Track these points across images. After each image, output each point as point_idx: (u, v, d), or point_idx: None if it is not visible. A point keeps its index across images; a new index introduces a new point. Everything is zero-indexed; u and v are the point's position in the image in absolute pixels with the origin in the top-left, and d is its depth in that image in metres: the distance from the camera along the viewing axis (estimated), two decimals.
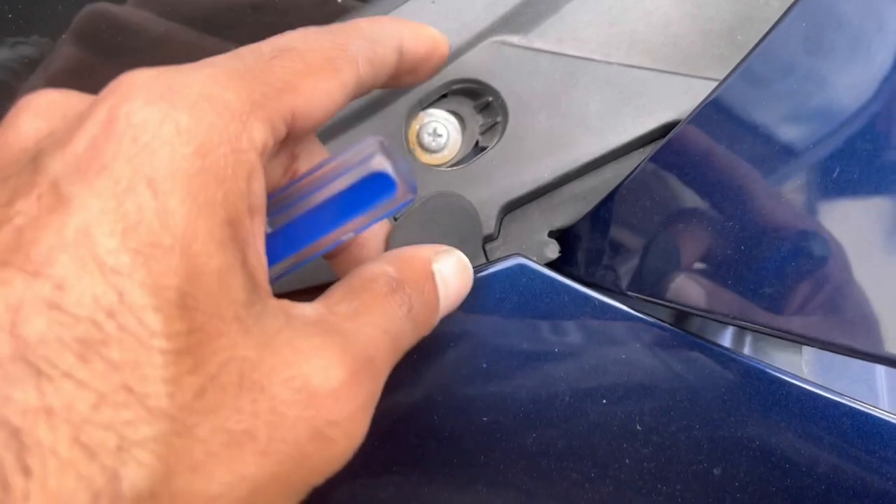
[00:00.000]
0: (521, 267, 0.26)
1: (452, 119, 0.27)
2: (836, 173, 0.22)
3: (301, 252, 0.20)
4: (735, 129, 0.24)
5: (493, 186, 0.26)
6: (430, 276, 0.22)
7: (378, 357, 0.18)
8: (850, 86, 0.23)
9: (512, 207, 0.27)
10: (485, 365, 0.26)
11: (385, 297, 0.20)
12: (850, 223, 0.22)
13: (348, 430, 0.17)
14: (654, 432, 0.25)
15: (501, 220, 0.27)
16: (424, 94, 0.27)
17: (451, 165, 0.27)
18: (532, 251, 0.27)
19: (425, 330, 0.22)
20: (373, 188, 0.19)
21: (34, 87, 0.21)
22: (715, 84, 0.24)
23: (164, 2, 0.27)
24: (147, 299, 0.14)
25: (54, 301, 0.14)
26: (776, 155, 0.23)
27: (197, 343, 0.15)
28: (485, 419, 0.26)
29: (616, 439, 0.26)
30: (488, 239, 0.27)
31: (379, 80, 0.21)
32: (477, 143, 0.27)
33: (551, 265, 0.26)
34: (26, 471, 0.13)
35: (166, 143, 0.15)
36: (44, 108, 0.18)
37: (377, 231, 0.25)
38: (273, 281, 0.21)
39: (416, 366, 0.26)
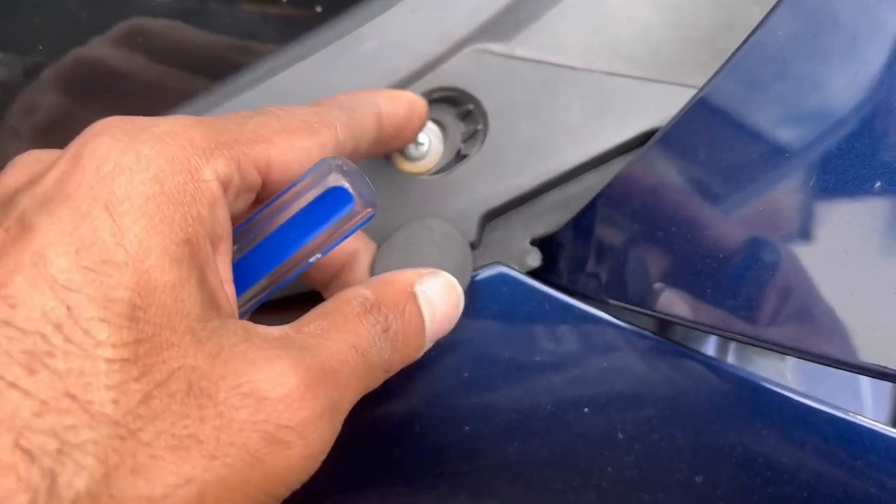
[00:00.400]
0: (503, 276, 0.26)
1: (434, 127, 0.27)
2: (815, 180, 0.22)
3: (271, 275, 0.20)
4: (715, 136, 0.24)
5: (474, 194, 0.26)
6: (412, 298, 0.22)
7: (343, 370, 0.18)
8: (830, 90, 0.23)
9: (493, 216, 0.27)
10: (466, 374, 0.26)
11: (357, 317, 0.20)
12: (830, 231, 0.22)
13: (304, 435, 0.17)
14: (637, 440, 0.25)
15: (483, 228, 0.27)
16: None
17: (433, 174, 0.27)
18: (514, 260, 0.27)
19: (411, 351, 0.22)
20: (330, 203, 0.19)
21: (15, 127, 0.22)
22: (694, 91, 0.24)
23: (154, 47, 0.27)
24: (95, 311, 0.15)
25: (5, 318, 0.15)
26: (756, 161, 0.23)
27: (145, 352, 0.15)
28: (467, 428, 0.26)
29: (598, 448, 0.25)
30: (470, 247, 0.27)
31: (361, 145, 0.22)
32: (458, 151, 0.27)
33: (533, 274, 0.26)
34: None
35: (125, 170, 0.16)
36: (28, 163, 0.19)
37: (366, 258, 0.25)
38: (247, 306, 0.21)
39: (396, 375, 0.26)
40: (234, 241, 0.20)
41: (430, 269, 0.23)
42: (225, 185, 0.18)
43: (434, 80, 0.27)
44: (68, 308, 0.15)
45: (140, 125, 0.18)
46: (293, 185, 0.20)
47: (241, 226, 0.20)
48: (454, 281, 0.23)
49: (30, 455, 0.14)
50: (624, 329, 0.25)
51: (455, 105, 0.27)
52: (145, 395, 0.15)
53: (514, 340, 0.26)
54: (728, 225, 0.23)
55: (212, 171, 0.18)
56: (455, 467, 0.26)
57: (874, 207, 0.21)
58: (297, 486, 0.18)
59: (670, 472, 0.25)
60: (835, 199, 0.22)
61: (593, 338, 0.26)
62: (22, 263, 0.15)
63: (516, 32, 0.27)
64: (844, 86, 0.22)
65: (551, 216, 0.27)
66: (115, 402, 0.15)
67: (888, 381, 0.22)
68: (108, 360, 0.15)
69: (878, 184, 0.21)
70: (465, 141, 0.27)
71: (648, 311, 0.25)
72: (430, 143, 0.27)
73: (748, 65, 0.23)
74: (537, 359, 0.26)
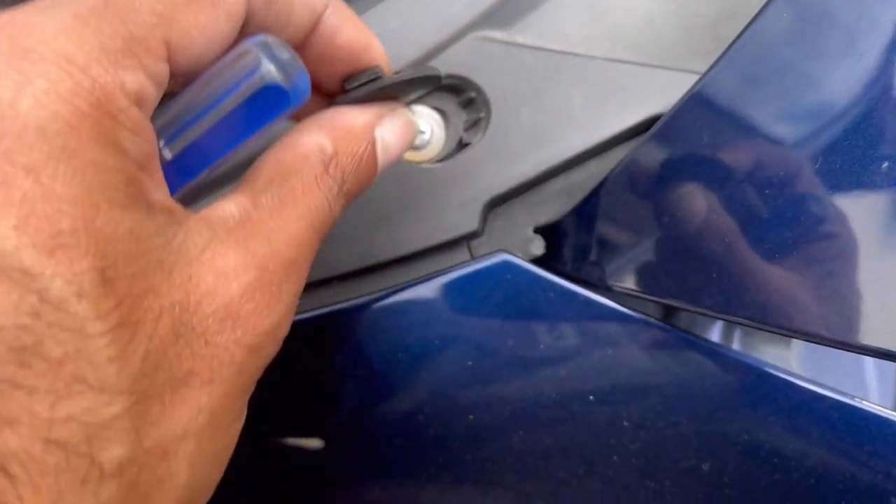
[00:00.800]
0: (507, 264, 0.26)
1: (436, 115, 0.27)
2: (820, 164, 0.22)
3: (207, 170, 0.19)
4: (718, 122, 0.23)
5: (477, 183, 0.26)
6: (371, 144, 0.21)
7: (300, 257, 0.19)
8: (833, 75, 0.23)
9: (496, 204, 0.27)
10: (470, 363, 0.26)
11: (315, 182, 0.19)
12: (835, 215, 0.22)
13: (275, 335, 0.18)
14: (642, 428, 0.25)
15: (486, 216, 0.27)
16: None
17: (436, 162, 0.27)
18: (517, 248, 0.27)
19: (355, 198, 0.21)
20: (265, 103, 0.18)
21: None
22: (697, 77, 0.24)
23: None
24: (66, 288, 0.14)
25: None
26: (759, 146, 0.23)
27: (128, 311, 0.15)
28: (471, 417, 0.26)
29: (604, 436, 0.25)
30: (473, 235, 0.26)
31: (285, 26, 0.20)
32: (461, 139, 0.27)
33: (537, 261, 0.26)
34: (12, 478, 0.14)
35: (30, 124, 0.14)
36: None
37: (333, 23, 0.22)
38: (183, 192, 0.20)
39: (400, 364, 0.26)
40: (161, 136, 0.18)
41: (392, 106, 0.22)
42: (140, 101, 0.16)
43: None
44: (37, 292, 0.14)
45: (22, 48, 0.15)
46: (217, 67, 0.18)
47: (162, 114, 0.18)
48: (412, 119, 0.23)
49: (62, 446, 0.14)
50: (629, 316, 0.25)
51: (457, 93, 0.27)
52: (144, 354, 0.15)
53: (518, 328, 0.26)
54: (734, 209, 0.23)
55: (123, 97, 0.16)
56: (459, 456, 0.26)
57: (881, 192, 0.21)
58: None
59: (676, 460, 0.25)
60: (846, 183, 0.22)
61: (598, 325, 0.26)
62: None
63: (518, 19, 0.27)
64: (848, 72, 0.22)
65: (555, 204, 0.27)
66: (121, 371, 0.15)
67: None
68: (101, 334, 0.15)
69: (885, 164, 0.21)
70: (467, 129, 0.27)
71: (654, 298, 0.25)
72: (433, 131, 0.27)
73: (751, 49, 0.23)
74: (541, 347, 0.26)
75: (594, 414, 0.25)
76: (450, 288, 0.26)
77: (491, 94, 0.26)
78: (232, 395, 0.18)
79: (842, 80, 0.22)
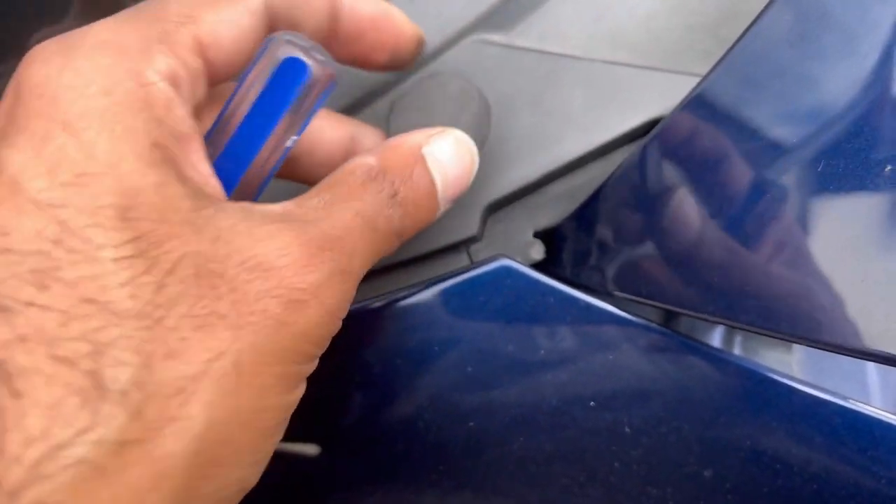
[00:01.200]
0: (506, 268, 0.25)
1: None
2: (821, 168, 0.22)
3: (252, 168, 0.20)
4: (719, 124, 0.23)
5: (476, 186, 0.26)
6: (420, 160, 0.21)
7: (347, 237, 0.19)
8: (835, 78, 0.22)
9: (496, 208, 0.27)
10: (470, 369, 0.25)
11: (361, 185, 0.20)
12: (835, 220, 0.22)
13: (317, 294, 0.18)
14: (644, 434, 0.25)
15: (486, 220, 0.26)
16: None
17: None
18: (517, 252, 0.26)
19: (423, 215, 0.22)
20: (287, 78, 0.19)
21: None
22: (698, 79, 0.24)
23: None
24: (87, 219, 0.16)
25: (2, 246, 0.15)
26: (761, 150, 0.23)
27: (147, 247, 0.16)
28: (471, 424, 0.26)
29: (605, 442, 0.25)
30: (472, 240, 0.26)
31: (303, 20, 0.21)
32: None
33: (537, 266, 0.26)
34: (16, 394, 0.14)
35: (69, 88, 0.17)
36: None
37: (367, 140, 0.25)
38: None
39: (400, 370, 0.26)
40: (210, 146, 0.20)
41: (439, 129, 0.22)
42: (174, 82, 0.18)
43: (435, 71, 0.26)
44: (60, 223, 0.15)
45: (68, 43, 0.18)
46: (247, 72, 0.19)
47: (212, 129, 0.20)
48: (465, 138, 0.23)
49: (68, 362, 0.15)
50: (629, 321, 0.25)
51: None
52: (158, 285, 0.16)
53: (518, 334, 0.25)
54: (737, 212, 0.23)
55: (154, 73, 0.18)
56: (460, 463, 0.26)
57: (880, 195, 0.21)
58: (325, 343, 0.19)
59: (678, 466, 0.25)
60: (846, 187, 0.22)
61: (598, 330, 0.25)
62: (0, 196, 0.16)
63: (517, 22, 0.27)
64: (850, 74, 0.22)
65: (555, 208, 0.27)
66: (133, 296, 0.15)
67: None
68: (115, 260, 0.15)
69: (888, 168, 0.21)
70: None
71: (654, 303, 0.25)
72: None
73: (751, 51, 0.23)
74: (542, 352, 0.25)
75: (595, 420, 0.25)
76: (449, 293, 0.26)
77: (490, 97, 0.26)
78: (265, 350, 0.17)
79: (843, 82, 0.22)
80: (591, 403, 0.25)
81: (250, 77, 0.19)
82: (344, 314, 0.19)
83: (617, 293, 0.25)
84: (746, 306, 0.22)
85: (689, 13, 0.27)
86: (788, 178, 0.22)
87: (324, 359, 0.26)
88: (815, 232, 0.22)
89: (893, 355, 0.20)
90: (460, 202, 0.26)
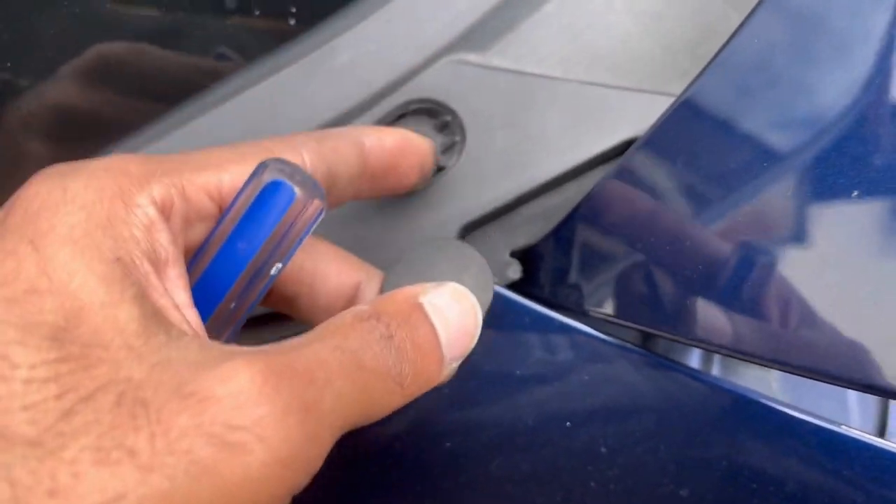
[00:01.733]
0: None
1: None
2: (796, 187, 0.22)
3: (232, 292, 0.20)
4: (694, 143, 0.23)
5: (453, 207, 0.26)
6: (417, 308, 0.20)
7: (319, 370, 0.16)
8: (813, 91, 0.22)
9: (473, 228, 0.27)
10: (447, 389, 0.25)
11: (348, 325, 0.18)
12: (813, 240, 0.22)
13: (263, 436, 0.14)
14: (620, 454, 0.25)
15: (462, 240, 0.26)
16: (382, 115, 0.26)
17: None
18: (494, 272, 0.26)
19: (428, 364, 0.19)
20: (271, 200, 0.19)
21: None
22: (673, 99, 0.24)
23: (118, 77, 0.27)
24: (14, 336, 0.15)
25: None
26: (736, 168, 0.23)
27: (69, 370, 0.15)
28: (448, 444, 0.26)
29: (581, 462, 0.25)
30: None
31: (339, 175, 0.22)
32: (436, 163, 0.27)
33: (514, 286, 0.26)
34: None
35: (52, 205, 0.17)
36: None
37: (372, 290, 0.24)
38: (227, 332, 0.20)
39: None
40: (192, 273, 0.19)
41: (437, 283, 0.21)
42: (164, 211, 0.18)
43: (410, 92, 0.26)
44: None
45: (76, 166, 0.18)
46: (235, 198, 0.19)
47: (198, 252, 0.20)
48: (464, 290, 0.21)
49: None
50: (606, 342, 0.25)
51: (432, 116, 0.27)
52: (65, 412, 0.14)
53: (495, 354, 0.25)
54: (709, 234, 0.23)
55: (146, 197, 0.18)
56: (437, 484, 0.26)
57: (857, 214, 0.21)
58: (268, 500, 0.15)
59: (654, 486, 0.25)
60: (815, 206, 0.22)
61: (575, 351, 0.25)
62: None
63: (493, 42, 0.27)
64: (827, 88, 0.22)
65: (531, 227, 0.27)
66: (32, 421, 0.14)
67: (874, 394, 0.22)
68: (25, 381, 0.14)
69: (857, 192, 0.21)
70: (443, 153, 0.27)
71: (631, 324, 0.25)
72: None
73: (726, 70, 0.23)
74: (518, 372, 0.25)
75: (571, 440, 0.25)
76: None
77: (466, 117, 0.26)
78: (177, 496, 0.14)
79: (824, 98, 0.22)
80: (568, 423, 0.25)
81: (238, 203, 0.19)
82: (309, 467, 0.16)
83: (593, 313, 0.25)
84: (721, 330, 0.22)
85: (665, 33, 0.27)
86: (766, 196, 0.22)
87: None
88: (792, 252, 0.22)
89: (865, 383, 0.20)
90: (437, 222, 0.26)
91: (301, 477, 0.15)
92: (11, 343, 0.15)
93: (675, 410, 0.25)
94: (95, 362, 0.15)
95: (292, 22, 0.27)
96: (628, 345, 0.25)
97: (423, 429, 0.26)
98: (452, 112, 0.26)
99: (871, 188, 0.21)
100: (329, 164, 0.21)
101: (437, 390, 0.26)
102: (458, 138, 0.26)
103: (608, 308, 0.25)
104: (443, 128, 0.27)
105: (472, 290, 0.22)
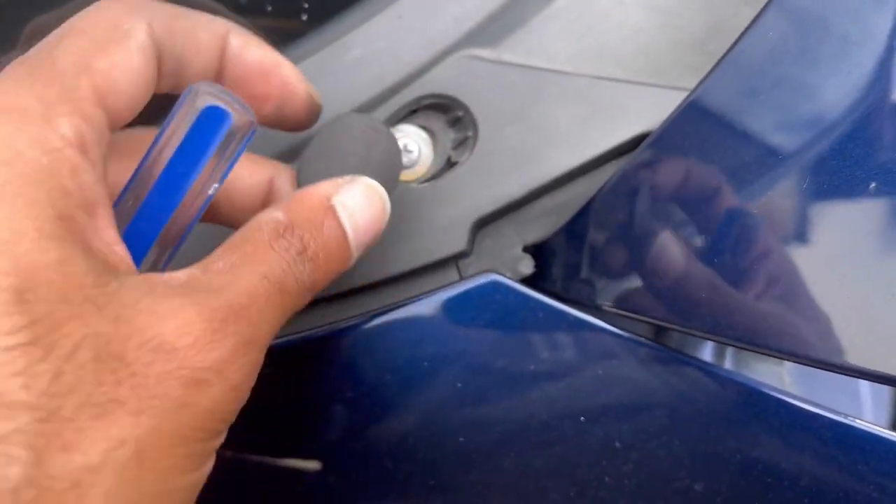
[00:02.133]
0: (495, 283, 0.25)
1: (423, 134, 0.27)
2: (809, 182, 0.22)
3: (174, 219, 0.20)
4: (707, 139, 0.23)
5: (465, 202, 0.26)
6: (329, 211, 0.21)
7: (253, 305, 0.18)
8: (822, 90, 0.22)
9: (485, 223, 0.27)
10: (460, 384, 0.25)
11: (267, 245, 0.19)
12: (826, 234, 0.22)
13: (221, 371, 0.17)
14: (634, 449, 0.25)
15: (474, 235, 0.26)
16: (394, 111, 0.26)
17: (423, 181, 0.27)
18: (506, 267, 0.26)
19: (335, 266, 0.21)
20: (207, 126, 0.19)
21: None
22: (685, 94, 0.24)
23: None
24: None
25: None
26: (750, 164, 0.23)
27: (44, 332, 0.15)
28: (461, 440, 0.26)
29: (595, 457, 0.25)
30: (462, 255, 0.26)
31: (188, 66, 0.21)
32: (449, 158, 0.27)
33: (526, 281, 0.26)
34: None
35: None
36: None
37: (285, 183, 0.24)
38: (165, 256, 0.21)
39: (388, 385, 0.26)
40: (130, 199, 0.19)
41: (347, 178, 0.22)
42: (81, 146, 0.17)
43: (422, 87, 0.26)
44: None
45: None
46: (165, 124, 0.19)
47: (129, 183, 0.20)
48: (375, 185, 0.22)
49: None
50: (619, 336, 0.25)
51: (444, 112, 0.27)
52: (55, 373, 0.15)
53: (508, 349, 0.25)
54: (726, 227, 0.23)
55: (59, 138, 0.17)
56: (450, 480, 0.26)
57: (870, 209, 0.21)
58: (231, 417, 0.18)
59: (669, 481, 0.25)
60: (829, 202, 0.22)
61: (588, 345, 0.25)
62: None
63: (504, 38, 0.27)
64: (837, 86, 0.22)
65: (543, 222, 0.27)
66: (27, 387, 0.15)
67: (889, 384, 0.22)
68: (7, 349, 0.15)
69: (872, 185, 0.21)
70: (455, 148, 0.27)
71: (643, 318, 0.24)
72: (420, 150, 0.27)
73: (739, 66, 0.23)
74: (532, 368, 0.25)
75: (585, 435, 0.25)
76: (439, 308, 0.26)
77: (478, 112, 0.26)
78: (167, 432, 0.16)
79: (834, 94, 0.22)
80: (582, 418, 0.25)
81: (170, 128, 0.19)
82: (251, 383, 0.19)
83: (606, 308, 0.25)
84: (736, 323, 0.22)
85: (675, 29, 0.27)
86: (779, 191, 0.22)
87: (316, 376, 0.27)
88: (805, 246, 0.22)
89: (880, 373, 0.20)
90: (450, 217, 0.26)
91: (247, 393, 0.19)
92: None
93: (688, 404, 0.25)
94: (65, 319, 0.16)
95: (304, 18, 0.27)
96: (642, 339, 0.25)
97: (437, 424, 0.26)
98: (464, 107, 0.26)
99: (888, 179, 0.21)
100: (178, 46, 0.20)
101: (450, 386, 0.26)
102: (470, 133, 0.26)
103: (621, 302, 0.25)
104: (455, 123, 0.27)
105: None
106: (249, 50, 0.22)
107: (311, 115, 0.24)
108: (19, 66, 0.18)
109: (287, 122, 0.24)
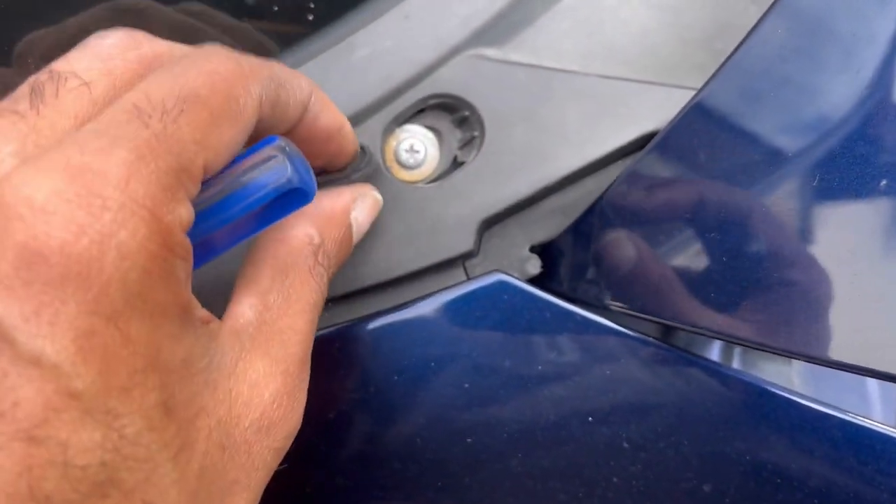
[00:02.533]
0: (502, 283, 0.25)
1: (430, 134, 0.27)
2: (817, 181, 0.22)
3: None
4: (715, 138, 0.23)
5: (472, 202, 0.26)
6: (348, 228, 0.23)
7: (307, 352, 0.21)
8: (829, 89, 0.22)
9: (492, 223, 0.26)
10: (467, 385, 0.25)
11: (309, 275, 0.21)
12: (834, 234, 0.21)
13: (294, 435, 0.20)
14: (642, 449, 0.25)
15: (481, 235, 0.26)
16: (401, 110, 0.26)
17: (430, 181, 0.27)
18: (513, 267, 0.26)
19: (341, 264, 0.24)
20: (288, 201, 0.19)
21: None
22: (693, 93, 0.24)
23: None
24: (141, 423, 0.15)
25: (60, 459, 0.14)
26: (757, 164, 0.23)
27: (186, 434, 0.16)
28: (469, 440, 0.25)
29: (603, 457, 0.25)
30: (469, 255, 0.26)
31: (283, 122, 0.21)
32: (455, 158, 0.27)
33: (533, 281, 0.26)
34: None
35: (114, 275, 0.15)
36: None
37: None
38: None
39: (396, 386, 0.26)
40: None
41: (363, 189, 0.24)
42: (186, 229, 0.17)
43: (429, 87, 0.26)
44: (118, 429, 0.15)
45: (97, 192, 0.15)
46: (238, 169, 0.19)
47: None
48: (381, 199, 0.25)
49: None
50: (627, 335, 0.25)
51: (451, 112, 0.27)
52: (199, 472, 0.17)
53: (515, 349, 0.25)
54: (733, 227, 0.23)
55: (181, 231, 0.16)
56: (458, 480, 0.26)
57: (879, 209, 0.21)
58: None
59: (677, 481, 0.25)
60: (837, 202, 0.21)
61: (595, 345, 0.25)
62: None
63: (511, 37, 0.27)
64: (844, 86, 0.22)
65: (550, 222, 0.27)
66: (181, 492, 0.16)
67: None
68: (167, 460, 0.16)
69: (883, 182, 0.20)
70: (461, 148, 0.27)
71: (651, 317, 0.24)
72: (427, 150, 0.27)
73: (746, 66, 0.23)
74: (539, 368, 0.25)
75: (593, 435, 0.25)
76: (446, 308, 0.26)
77: (485, 112, 0.26)
78: (259, 494, 0.19)
79: (840, 94, 0.22)
80: (590, 418, 0.25)
81: (245, 179, 0.19)
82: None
83: (613, 307, 0.25)
84: (744, 322, 0.22)
85: (682, 27, 0.27)
86: (784, 191, 0.22)
87: (322, 377, 0.26)
88: (813, 246, 0.21)
89: (890, 373, 0.20)
90: (457, 217, 0.26)
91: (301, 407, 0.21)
92: (144, 432, 0.16)
93: (697, 404, 0.25)
94: (195, 414, 0.17)
95: (310, 17, 0.27)
96: (650, 339, 0.25)
97: (444, 425, 0.26)
98: (471, 107, 0.26)
99: None
100: (276, 117, 0.20)
101: (457, 386, 0.26)
102: (476, 133, 0.26)
103: (628, 302, 0.25)
104: (461, 122, 0.27)
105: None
106: (323, 116, 0.22)
107: (351, 165, 0.25)
108: (140, 124, 0.16)
109: (327, 169, 0.25)
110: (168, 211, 0.16)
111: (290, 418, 0.20)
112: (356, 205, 0.24)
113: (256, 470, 0.19)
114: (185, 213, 0.16)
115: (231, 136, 0.18)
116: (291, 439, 0.20)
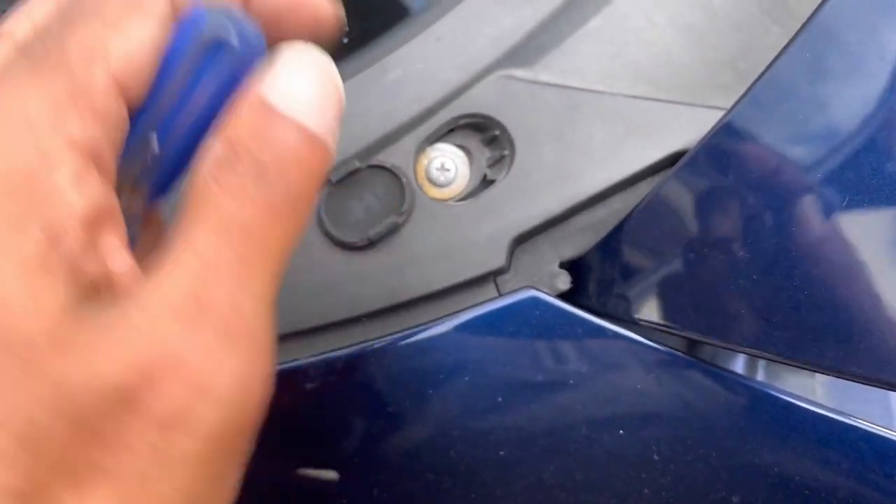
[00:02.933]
0: (534, 299, 0.26)
1: (460, 153, 0.28)
2: (847, 200, 0.22)
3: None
4: (744, 157, 0.24)
5: (502, 219, 0.27)
6: (267, 116, 0.16)
7: (231, 272, 0.16)
8: (856, 110, 0.23)
9: (522, 240, 0.27)
10: (500, 399, 0.26)
11: (216, 205, 0.16)
12: (863, 249, 0.22)
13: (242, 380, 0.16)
14: (672, 461, 0.25)
15: (512, 252, 0.27)
16: (432, 130, 0.27)
17: (460, 199, 0.27)
18: (543, 283, 0.27)
19: (313, 163, 0.17)
20: (217, 58, 0.17)
21: None
22: (719, 112, 0.24)
23: None
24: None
25: None
26: (786, 182, 0.23)
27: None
28: (501, 453, 0.26)
29: (634, 470, 0.26)
30: (500, 272, 0.27)
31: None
32: (485, 176, 0.28)
33: (563, 296, 0.26)
34: None
35: None
36: None
37: None
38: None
39: (430, 400, 0.26)
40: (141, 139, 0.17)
41: (276, 61, 0.18)
42: (91, 149, 0.15)
43: (460, 108, 0.27)
44: None
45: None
46: (171, 57, 0.17)
47: (136, 120, 0.17)
48: (302, 49, 0.18)
49: None
50: (657, 350, 0.25)
51: (480, 131, 0.27)
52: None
53: (547, 364, 0.26)
54: (759, 244, 0.23)
55: (64, 146, 0.15)
56: (490, 492, 0.26)
57: None
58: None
59: (706, 493, 0.25)
60: (866, 218, 0.22)
61: (625, 359, 0.26)
62: None
63: (540, 58, 0.27)
64: (871, 107, 0.23)
65: (580, 239, 0.27)
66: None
67: None
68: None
69: None
70: (491, 166, 0.27)
71: (680, 332, 0.25)
72: (457, 168, 0.27)
73: (776, 86, 0.24)
74: (570, 381, 0.26)
75: (624, 448, 0.26)
76: (478, 324, 0.26)
77: (514, 131, 0.27)
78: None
79: (870, 117, 0.23)
80: (620, 432, 0.26)
81: (169, 60, 0.17)
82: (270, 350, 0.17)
83: (642, 322, 0.26)
84: (773, 337, 0.23)
85: (707, 48, 0.28)
86: (815, 208, 0.23)
87: (356, 392, 0.27)
88: (842, 262, 0.22)
89: None
90: (488, 235, 0.27)
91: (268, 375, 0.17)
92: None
93: (724, 416, 0.25)
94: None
95: (345, 41, 0.27)
96: (678, 353, 0.25)
97: (477, 438, 0.26)
98: (501, 126, 0.27)
99: None
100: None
101: (490, 400, 0.26)
102: (507, 152, 0.27)
103: (656, 316, 0.25)
104: (491, 142, 0.27)
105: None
106: None
107: (341, 34, 0.20)
108: (23, 59, 0.16)
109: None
110: (51, 125, 0.15)
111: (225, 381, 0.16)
112: (265, 80, 0.17)
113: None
114: (76, 128, 0.15)
115: (140, 36, 0.16)
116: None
